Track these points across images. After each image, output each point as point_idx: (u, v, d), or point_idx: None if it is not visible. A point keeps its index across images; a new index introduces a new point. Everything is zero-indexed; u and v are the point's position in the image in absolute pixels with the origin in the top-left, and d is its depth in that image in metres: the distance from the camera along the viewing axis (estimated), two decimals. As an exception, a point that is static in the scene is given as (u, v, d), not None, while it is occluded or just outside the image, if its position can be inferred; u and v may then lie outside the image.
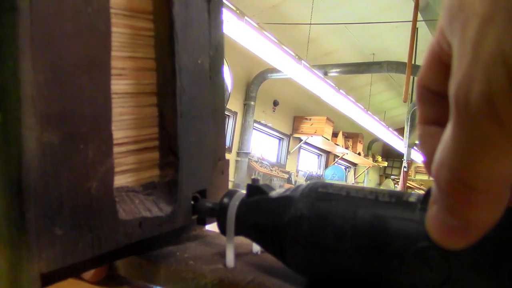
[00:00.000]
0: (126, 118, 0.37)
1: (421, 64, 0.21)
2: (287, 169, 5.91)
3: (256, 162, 5.08)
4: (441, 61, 0.19)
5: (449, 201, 0.16)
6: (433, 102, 0.21)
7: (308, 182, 0.34)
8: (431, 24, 3.87)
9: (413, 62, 3.53)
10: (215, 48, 0.46)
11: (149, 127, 0.39)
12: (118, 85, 0.36)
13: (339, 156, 7.09)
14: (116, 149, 0.34)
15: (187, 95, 0.40)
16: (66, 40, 0.28)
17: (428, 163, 0.22)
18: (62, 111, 0.28)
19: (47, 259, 0.27)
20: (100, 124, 0.31)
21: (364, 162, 7.69)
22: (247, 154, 4.88)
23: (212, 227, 0.45)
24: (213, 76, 0.45)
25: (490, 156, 0.14)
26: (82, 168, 0.29)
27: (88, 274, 0.41)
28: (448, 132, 0.15)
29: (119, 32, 0.35)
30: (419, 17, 3.44)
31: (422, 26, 3.81)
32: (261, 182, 0.37)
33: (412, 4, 3.28)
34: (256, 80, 4.95)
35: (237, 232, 0.36)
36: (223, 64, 0.48)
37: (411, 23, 3.29)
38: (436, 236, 0.17)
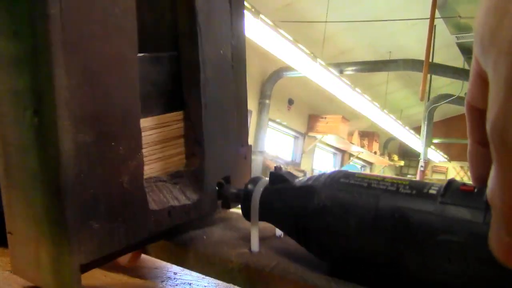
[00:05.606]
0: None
1: (468, 82, 0.21)
2: (302, 167, 5.88)
3: (271, 160, 5.07)
4: (481, 78, 0.19)
5: (505, 224, 0.16)
6: (480, 121, 0.21)
7: (330, 171, 0.34)
8: (449, 21, 3.80)
9: (430, 60, 3.48)
10: (237, 37, 0.47)
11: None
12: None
13: (354, 155, 7.03)
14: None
15: (211, 86, 0.41)
16: (95, 42, 0.29)
17: (475, 181, 0.22)
18: (94, 111, 0.29)
19: (86, 251, 0.28)
20: (129, 121, 0.32)
21: (380, 161, 7.61)
22: (262, 152, 4.89)
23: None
24: (235, 65, 0.46)
25: None
26: (115, 164, 0.30)
27: (124, 260, 0.42)
28: (493, 165, 0.15)
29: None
30: (437, 14, 3.39)
31: (439, 23, 3.75)
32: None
33: (430, 1, 3.23)
34: (271, 78, 4.94)
35: (261, 218, 0.37)
36: (245, 52, 0.48)
37: (428, 20, 3.25)
38: (498, 255, 0.17)
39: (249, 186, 0.38)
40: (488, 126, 0.14)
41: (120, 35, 0.31)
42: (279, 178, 0.37)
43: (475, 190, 0.26)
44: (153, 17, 0.40)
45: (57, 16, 0.25)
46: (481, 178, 0.25)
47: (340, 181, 0.32)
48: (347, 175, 0.33)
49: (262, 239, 0.39)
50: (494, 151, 0.15)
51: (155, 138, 0.38)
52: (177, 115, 0.41)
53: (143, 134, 0.34)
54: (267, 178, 0.38)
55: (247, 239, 0.38)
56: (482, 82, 0.19)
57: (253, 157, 4.88)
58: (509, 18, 0.14)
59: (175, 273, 0.47)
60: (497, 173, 0.15)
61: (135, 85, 0.33)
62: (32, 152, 0.27)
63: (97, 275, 0.41)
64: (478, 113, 0.21)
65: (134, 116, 0.33)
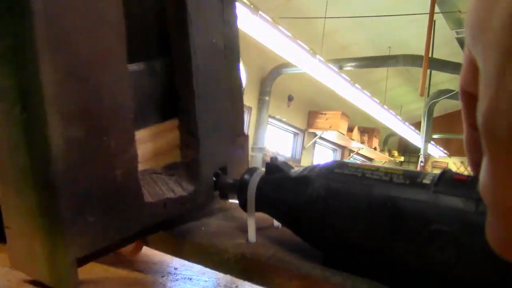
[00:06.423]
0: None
1: (462, 67, 0.21)
2: (302, 164, 5.88)
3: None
4: (474, 65, 0.18)
5: (498, 219, 0.16)
6: (475, 106, 0.21)
7: (325, 162, 0.35)
8: (448, 16, 3.79)
9: (430, 56, 3.47)
10: (229, 25, 0.46)
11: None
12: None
13: (354, 151, 7.04)
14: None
15: (203, 75, 0.40)
16: (81, 36, 0.28)
17: (474, 169, 0.22)
18: (84, 106, 0.29)
19: (81, 245, 0.28)
20: (120, 114, 0.32)
21: (380, 157, 7.61)
22: (261, 149, 4.89)
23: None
24: (228, 53, 0.46)
25: None
26: (107, 158, 0.30)
27: (127, 250, 0.43)
28: (484, 159, 0.15)
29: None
30: (436, 9, 3.38)
31: (439, 18, 3.74)
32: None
33: (429, -4, 3.23)
34: (271, 75, 4.94)
35: (257, 208, 0.37)
36: (238, 40, 0.47)
37: (428, 15, 3.23)
38: (494, 247, 0.17)
39: (246, 177, 0.38)
40: (479, 120, 0.14)
41: (106, 28, 0.30)
42: (275, 168, 0.37)
43: (469, 179, 0.26)
44: (141, 8, 0.39)
45: (41, 11, 0.25)
46: (479, 165, 0.25)
47: (334, 171, 0.32)
48: (341, 165, 0.33)
49: (260, 229, 0.39)
50: (485, 145, 0.14)
51: (151, 149, 0.38)
52: (172, 123, 0.40)
53: (138, 146, 0.34)
54: (264, 169, 0.38)
55: (244, 230, 0.38)
56: (475, 68, 0.18)
57: (253, 153, 4.87)
58: (500, 8, 0.13)
59: (175, 268, 0.47)
60: (488, 167, 0.15)
61: (125, 77, 0.32)
62: (22, 148, 0.27)
63: (97, 270, 0.41)
64: (472, 98, 0.21)
65: (125, 109, 0.32)
